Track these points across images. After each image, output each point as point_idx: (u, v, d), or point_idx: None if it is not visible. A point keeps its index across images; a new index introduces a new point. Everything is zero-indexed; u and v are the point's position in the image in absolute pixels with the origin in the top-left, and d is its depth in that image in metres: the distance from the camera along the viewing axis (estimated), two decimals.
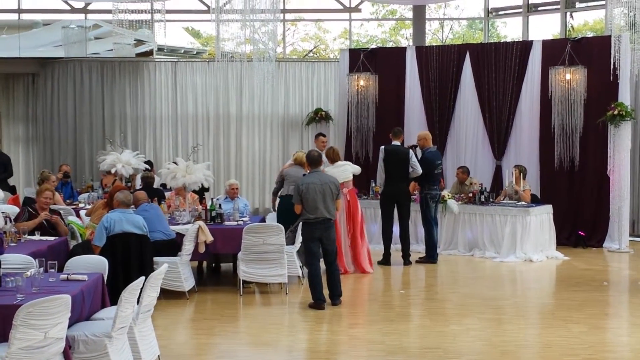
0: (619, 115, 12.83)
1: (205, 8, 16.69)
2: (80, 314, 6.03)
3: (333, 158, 10.95)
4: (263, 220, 10.85)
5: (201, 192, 11.98)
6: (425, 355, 7.07)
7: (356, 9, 17.27)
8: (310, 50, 22.43)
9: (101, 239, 8.42)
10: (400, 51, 15.16)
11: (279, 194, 11.32)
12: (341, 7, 17.12)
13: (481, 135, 14.26)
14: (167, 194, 12.04)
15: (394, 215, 11.79)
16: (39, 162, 16.65)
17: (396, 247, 11.94)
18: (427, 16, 17.35)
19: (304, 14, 19.44)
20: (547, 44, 13.84)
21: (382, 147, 11.82)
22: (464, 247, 12.59)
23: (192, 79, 16.65)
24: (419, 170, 11.58)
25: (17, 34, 16.48)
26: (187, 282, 9.38)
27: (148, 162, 13.80)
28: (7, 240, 8.23)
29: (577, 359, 6.93)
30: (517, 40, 15.83)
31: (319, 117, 15.68)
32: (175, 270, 9.13)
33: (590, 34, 17.80)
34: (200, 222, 9.61)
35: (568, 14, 16.03)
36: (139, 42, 16.88)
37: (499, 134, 14.03)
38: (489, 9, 16.95)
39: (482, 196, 12.57)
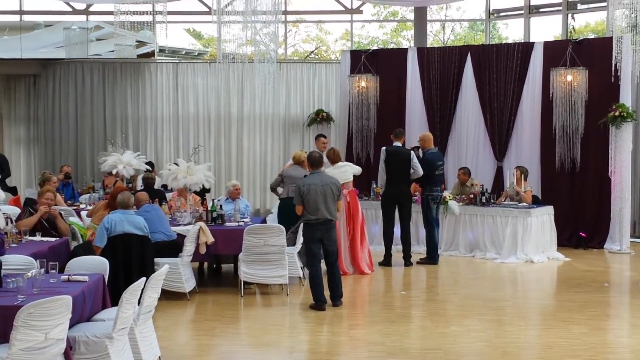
0: (620, 116, 12.83)
1: (207, 9, 16.71)
2: (81, 314, 6.03)
3: (333, 159, 10.95)
4: (264, 221, 10.85)
5: (202, 193, 11.99)
6: (426, 356, 7.07)
7: (357, 11, 17.27)
8: (312, 52, 22.45)
9: (102, 239, 8.43)
10: (402, 52, 15.16)
11: (280, 195, 11.31)
12: (342, 9, 17.13)
13: (482, 137, 14.26)
14: (168, 194, 12.06)
15: (395, 217, 11.79)
16: (40, 163, 16.66)
17: (397, 248, 11.94)
18: (428, 18, 17.37)
19: (305, 16, 19.45)
20: (548, 46, 13.84)
21: (383, 148, 11.82)
22: (464, 248, 12.59)
23: (193, 80, 16.66)
24: (420, 172, 11.58)
25: (18, 35, 16.51)
26: (188, 283, 9.38)
27: (149, 163, 13.82)
28: (8, 241, 8.23)
29: None
30: (518, 41, 15.84)
31: (320, 118, 15.68)
32: (176, 271, 9.13)
33: (591, 36, 17.80)
34: (201, 223, 9.61)
35: (569, 15, 16.02)
36: (141, 43, 16.89)
37: (500, 135, 14.04)
38: (491, 10, 16.95)
39: (483, 197, 12.56)
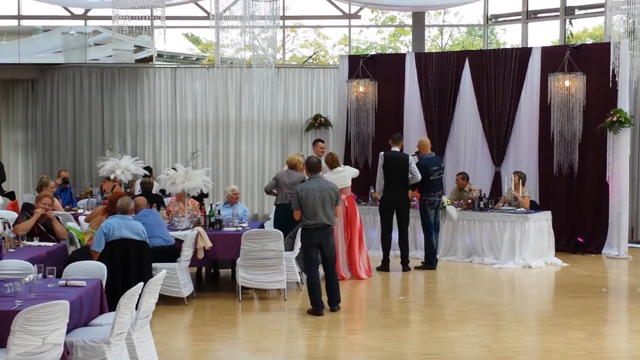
0: (618, 121, 12.85)
1: (205, 14, 16.72)
2: (79, 319, 6.03)
3: (332, 164, 10.95)
4: (262, 226, 10.85)
5: (200, 198, 11.99)
6: None
7: (356, 16, 17.29)
8: (310, 57, 22.47)
9: (100, 244, 8.41)
10: (400, 58, 15.19)
11: (274, 202, 11.31)
12: (341, 14, 17.15)
13: (480, 142, 14.27)
14: (166, 199, 12.05)
15: (393, 222, 11.78)
16: (38, 168, 16.66)
17: (395, 253, 11.93)
18: (426, 23, 17.40)
19: (304, 21, 19.46)
20: (546, 51, 13.86)
21: (382, 153, 11.82)
22: (462, 253, 12.59)
23: (191, 85, 16.67)
24: (419, 177, 11.58)
25: (16, 40, 16.51)
26: (186, 288, 9.37)
27: (147, 168, 13.80)
28: (6, 246, 8.23)
29: None
30: (516, 47, 15.86)
31: (318, 123, 15.68)
32: (174, 276, 9.12)
33: (589, 41, 17.84)
34: (199, 228, 9.60)
35: (567, 20, 16.06)
36: (139, 48, 16.91)
37: (498, 140, 14.05)
38: (489, 15, 16.98)
39: (481, 202, 12.57)
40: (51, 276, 6.25)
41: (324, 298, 8.97)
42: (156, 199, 11.55)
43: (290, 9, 17.89)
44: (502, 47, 18.19)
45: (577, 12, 16.29)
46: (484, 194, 12.91)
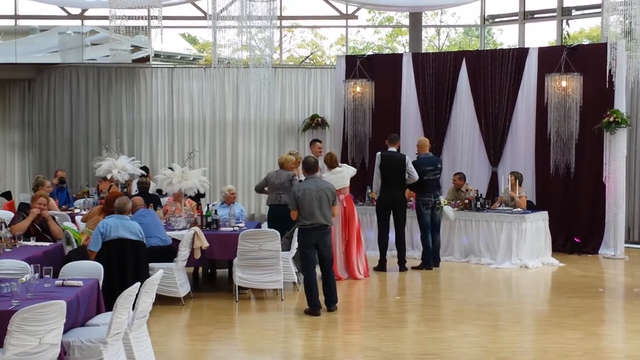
0: (614, 122, 12.87)
1: (202, 14, 16.72)
2: (76, 319, 6.02)
3: (331, 164, 10.94)
4: (259, 226, 10.84)
5: (197, 198, 11.98)
6: None
7: (353, 16, 17.30)
8: (307, 57, 22.47)
9: (97, 244, 8.40)
10: (397, 58, 15.19)
11: (267, 202, 11.32)
12: (338, 14, 17.15)
13: (477, 142, 14.28)
14: (162, 199, 12.04)
15: (389, 222, 11.78)
16: (34, 167, 16.63)
17: (392, 253, 11.92)
18: (423, 23, 17.39)
19: (301, 21, 19.46)
20: (543, 51, 13.88)
21: (379, 153, 11.82)
22: (459, 254, 12.59)
23: (188, 85, 16.66)
24: (416, 177, 11.58)
25: (13, 39, 16.48)
26: (183, 288, 9.36)
27: (144, 168, 13.80)
28: (2, 246, 8.22)
29: None
30: (513, 47, 15.87)
31: (315, 123, 15.67)
32: (170, 276, 9.11)
33: (586, 42, 17.85)
34: (196, 228, 9.60)
35: (564, 21, 16.08)
36: (136, 48, 16.88)
37: (494, 140, 14.06)
38: (485, 16, 16.99)
39: (478, 202, 12.57)
40: (48, 276, 6.24)
41: (321, 298, 8.97)
42: (153, 199, 11.54)
43: (287, 9, 17.89)
44: (499, 47, 18.21)
45: (574, 12, 16.31)
46: (481, 194, 12.91)
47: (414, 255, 12.38)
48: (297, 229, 9.22)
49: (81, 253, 8.48)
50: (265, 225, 10.96)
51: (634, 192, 14.65)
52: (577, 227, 13.50)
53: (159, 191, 12.73)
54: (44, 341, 5.10)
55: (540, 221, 12.36)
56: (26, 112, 16.68)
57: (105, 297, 6.76)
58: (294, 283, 10.23)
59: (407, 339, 7.94)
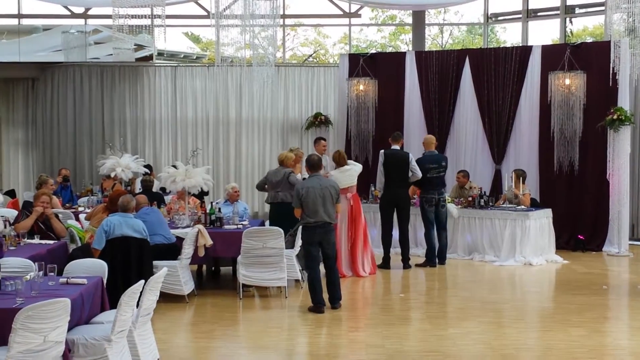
0: (618, 119, 12.86)
1: (205, 13, 16.72)
2: (80, 317, 6.03)
3: (339, 162, 10.93)
4: (262, 223, 10.85)
5: (201, 196, 11.99)
6: (425, 358, 7.08)
7: (356, 14, 17.29)
8: (310, 55, 22.48)
9: (101, 242, 8.41)
10: (400, 56, 15.19)
11: (266, 200, 11.31)
12: (341, 13, 17.15)
13: (481, 140, 14.28)
14: (166, 197, 12.05)
15: (393, 219, 11.79)
16: (38, 166, 16.66)
17: (396, 250, 11.93)
18: (426, 21, 17.39)
19: (304, 19, 19.47)
20: (546, 49, 13.86)
21: (382, 151, 11.82)
22: (463, 251, 12.59)
23: (191, 84, 16.68)
24: (419, 174, 11.58)
25: (17, 38, 16.51)
26: (187, 285, 9.37)
27: (147, 166, 13.81)
28: (7, 244, 8.24)
29: None
30: (516, 45, 15.86)
31: (319, 121, 15.68)
32: (174, 274, 9.12)
33: (589, 40, 17.84)
34: (200, 226, 9.61)
35: (567, 19, 16.06)
36: (139, 47, 16.89)
37: (498, 138, 14.05)
38: (489, 14, 16.98)
39: (482, 200, 12.57)
40: (52, 274, 6.24)
41: (325, 295, 8.98)
42: (156, 197, 11.56)
43: (291, 8, 17.90)
44: (502, 45, 18.19)
45: (577, 10, 16.29)
46: (485, 192, 12.91)
47: (418, 252, 12.39)
48: (300, 227, 9.22)
49: (85, 251, 8.49)
50: (268, 222, 10.96)
51: (638, 189, 14.62)
52: (581, 224, 13.50)
53: (163, 189, 12.74)
54: (48, 339, 5.11)
55: (544, 218, 12.35)
56: (30, 111, 16.72)
57: (110, 294, 6.76)
58: (298, 281, 10.23)
59: (411, 336, 7.94)
